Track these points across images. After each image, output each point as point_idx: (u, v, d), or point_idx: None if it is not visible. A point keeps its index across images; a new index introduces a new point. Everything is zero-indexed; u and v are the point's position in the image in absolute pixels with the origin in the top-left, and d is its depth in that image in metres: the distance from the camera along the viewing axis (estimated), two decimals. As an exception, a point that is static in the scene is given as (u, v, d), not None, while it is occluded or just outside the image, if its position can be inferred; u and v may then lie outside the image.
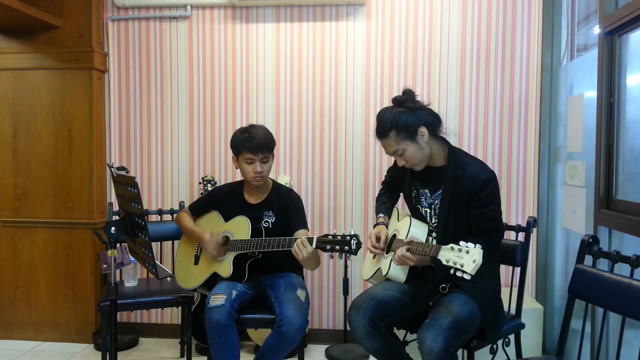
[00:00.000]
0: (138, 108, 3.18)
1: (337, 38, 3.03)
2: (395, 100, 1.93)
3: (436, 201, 1.96)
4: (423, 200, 2.01)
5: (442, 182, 1.92)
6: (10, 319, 3.20)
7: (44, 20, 2.91)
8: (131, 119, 3.19)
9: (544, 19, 2.90)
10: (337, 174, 3.08)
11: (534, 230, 2.83)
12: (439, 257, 1.69)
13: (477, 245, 1.62)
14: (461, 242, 1.65)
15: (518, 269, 2.15)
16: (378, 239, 2.01)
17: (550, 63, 2.90)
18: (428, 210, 1.99)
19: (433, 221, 1.98)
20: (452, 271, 1.64)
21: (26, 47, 3.08)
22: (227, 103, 3.12)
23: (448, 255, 1.66)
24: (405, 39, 2.99)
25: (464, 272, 1.60)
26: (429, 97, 2.98)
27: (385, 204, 2.21)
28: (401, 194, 2.27)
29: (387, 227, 2.10)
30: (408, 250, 1.82)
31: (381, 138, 1.91)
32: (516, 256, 2.12)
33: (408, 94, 1.92)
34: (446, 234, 1.90)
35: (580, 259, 1.73)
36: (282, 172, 3.09)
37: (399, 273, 1.95)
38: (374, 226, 2.11)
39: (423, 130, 1.88)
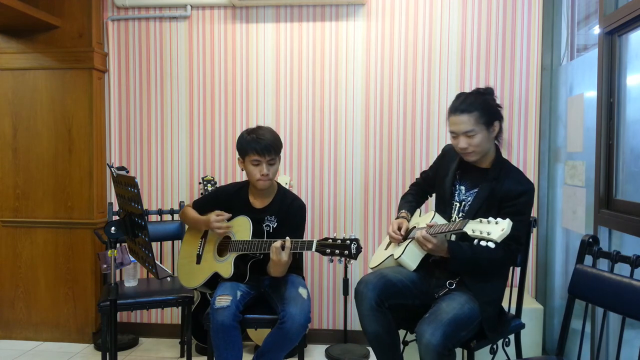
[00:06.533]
0: (138, 108, 3.18)
1: (337, 38, 3.03)
2: (479, 91, 1.98)
3: (469, 198, 2.00)
4: (456, 195, 2.05)
5: (482, 182, 1.97)
6: (10, 319, 3.20)
7: (44, 20, 2.91)
8: (131, 119, 3.19)
9: (544, 19, 2.90)
10: (337, 174, 3.08)
11: (534, 230, 2.83)
12: (464, 229, 1.72)
13: (507, 219, 1.65)
14: (490, 218, 1.69)
15: (518, 269, 2.15)
16: (400, 228, 2.06)
17: (550, 63, 2.90)
18: (458, 205, 2.03)
19: (460, 215, 2.01)
20: (475, 241, 1.68)
21: (26, 47, 3.08)
22: (227, 103, 3.13)
23: (475, 226, 1.70)
24: (405, 39, 2.99)
25: (489, 240, 1.64)
26: (429, 97, 2.98)
27: (410, 202, 2.25)
28: (429, 197, 2.32)
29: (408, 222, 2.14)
30: (430, 234, 1.85)
31: (462, 114, 1.92)
32: (516, 256, 2.12)
33: (490, 91, 1.98)
34: None
35: (580, 259, 1.73)
36: (282, 172, 3.09)
37: (410, 260, 1.99)
38: (396, 218, 2.15)
39: (497, 125, 1.96)
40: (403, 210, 2.19)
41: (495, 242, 1.63)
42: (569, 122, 2.64)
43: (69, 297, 3.15)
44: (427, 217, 2.07)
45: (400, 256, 1.99)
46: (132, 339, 3.14)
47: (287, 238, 2.01)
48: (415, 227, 2.05)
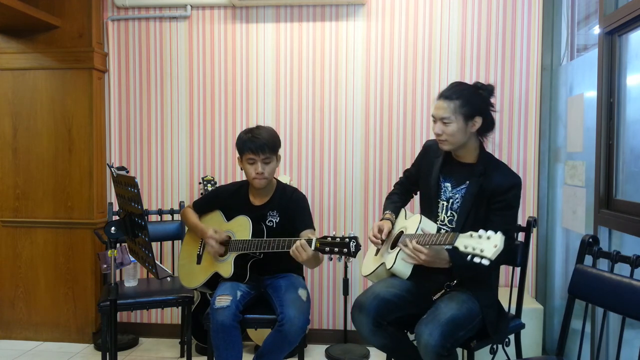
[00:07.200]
0: (138, 108, 3.18)
1: (337, 38, 3.03)
2: (477, 85, 1.99)
3: (456, 195, 1.98)
4: (442, 193, 2.03)
5: (468, 178, 1.95)
6: (10, 319, 3.20)
7: (44, 20, 2.91)
8: (131, 119, 3.19)
9: (544, 19, 2.90)
10: (337, 174, 3.08)
11: (534, 230, 2.83)
12: (456, 244, 1.67)
13: (499, 232, 1.61)
14: (480, 231, 1.64)
15: (518, 269, 2.15)
16: (380, 231, 2.02)
17: (550, 63, 2.90)
18: (445, 204, 2.00)
19: (448, 214, 1.99)
20: (469, 258, 1.62)
21: (26, 47, 3.08)
22: (227, 103, 3.13)
23: (466, 241, 1.65)
24: (405, 39, 2.99)
25: (482, 257, 1.58)
26: (429, 97, 2.98)
27: (395, 203, 2.22)
28: (414, 195, 2.28)
29: (393, 225, 2.11)
30: (419, 243, 1.81)
31: (444, 100, 1.93)
32: (516, 256, 2.12)
33: (489, 89, 1.97)
34: (464, 229, 1.89)
35: (580, 259, 1.73)
36: (282, 172, 3.09)
37: (403, 268, 1.94)
38: (380, 219, 2.12)
39: (478, 120, 1.93)
40: (387, 212, 2.15)
41: (490, 260, 1.57)
42: (569, 122, 2.64)
43: (69, 297, 3.15)
44: (413, 220, 2.02)
45: (392, 266, 1.95)
46: (132, 339, 3.14)
47: (310, 234, 2.03)
48: (402, 231, 2.02)
